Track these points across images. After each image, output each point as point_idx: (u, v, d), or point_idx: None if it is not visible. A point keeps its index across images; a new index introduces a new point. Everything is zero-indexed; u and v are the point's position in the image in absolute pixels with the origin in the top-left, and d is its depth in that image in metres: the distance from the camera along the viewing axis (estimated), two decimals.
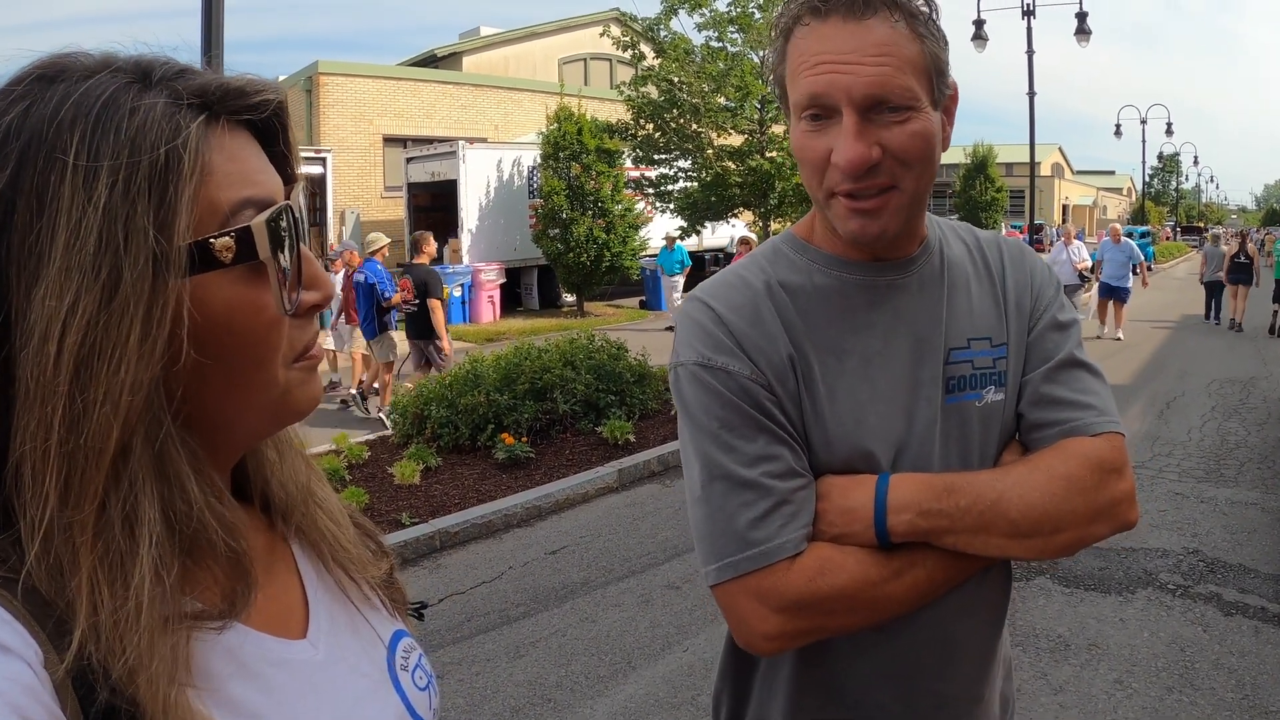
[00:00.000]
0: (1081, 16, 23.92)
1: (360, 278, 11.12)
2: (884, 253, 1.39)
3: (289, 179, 0.86)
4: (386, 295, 10.75)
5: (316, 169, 21.81)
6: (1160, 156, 78.29)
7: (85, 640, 0.65)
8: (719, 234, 24.38)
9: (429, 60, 31.30)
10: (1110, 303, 17.18)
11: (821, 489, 1.32)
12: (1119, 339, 16.55)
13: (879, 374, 1.36)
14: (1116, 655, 4.71)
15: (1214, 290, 20.15)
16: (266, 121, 0.82)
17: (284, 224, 0.78)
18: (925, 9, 1.28)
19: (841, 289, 1.39)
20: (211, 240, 0.72)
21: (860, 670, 1.41)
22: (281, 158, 0.86)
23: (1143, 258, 18.04)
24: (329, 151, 22.10)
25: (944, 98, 1.33)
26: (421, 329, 10.91)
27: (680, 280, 19.80)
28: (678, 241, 20.00)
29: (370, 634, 0.93)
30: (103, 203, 0.67)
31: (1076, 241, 17.56)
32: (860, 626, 1.31)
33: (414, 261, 11.04)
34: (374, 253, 11.22)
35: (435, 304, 10.69)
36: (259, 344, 0.77)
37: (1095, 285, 18.17)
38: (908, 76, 1.25)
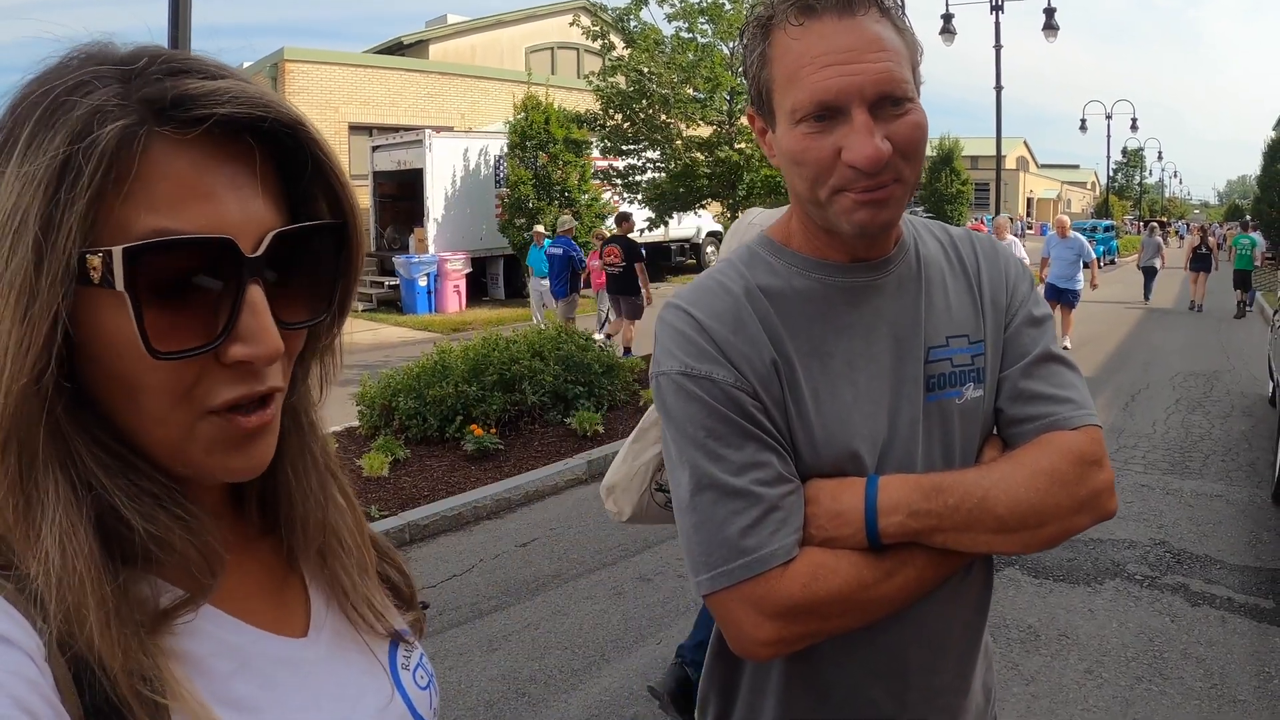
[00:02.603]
0: (1049, 12, 24.11)
1: (557, 250, 14.79)
2: (862, 253, 1.39)
3: (331, 209, 0.82)
4: (581, 263, 14.78)
5: None
6: (1125, 151, 79.36)
7: (62, 627, 0.65)
8: (685, 224, 24.35)
9: (395, 48, 31.00)
10: (1058, 306, 14.14)
11: (810, 493, 1.32)
12: (1066, 348, 12.16)
13: (862, 375, 1.36)
14: (1086, 645, 4.77)
15: (1149, 274, 22.73)
16: (288, 145, 0.77)
17: (176, 261, 0.70)
18: (897, 2, 1.30)
19: (822, 291, 1.39)
20: (87, 254, 0.68)
21: (850, 668, 1.41)
22: (325, 188, 0.81)
23: (1093, 255, 15.30)
24: None
25: (918, 86, 1.33)
26: (624, 287, 13.84)
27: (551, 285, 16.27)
28: (548, 237, 16.75)
29: (371, 631, 0.93)
30: (14, 195, 0.67)
31: (1011, 238, 14.46)
32: (854, 628, 1.31)
33: (619, 232, 14.41)
34: (565, 231, 15.24)
35: (640, 266, 13.62)
36: (127, 378, 0.72)
37: (1040, 287, 15.51)
38: (904, 69, 1.26)
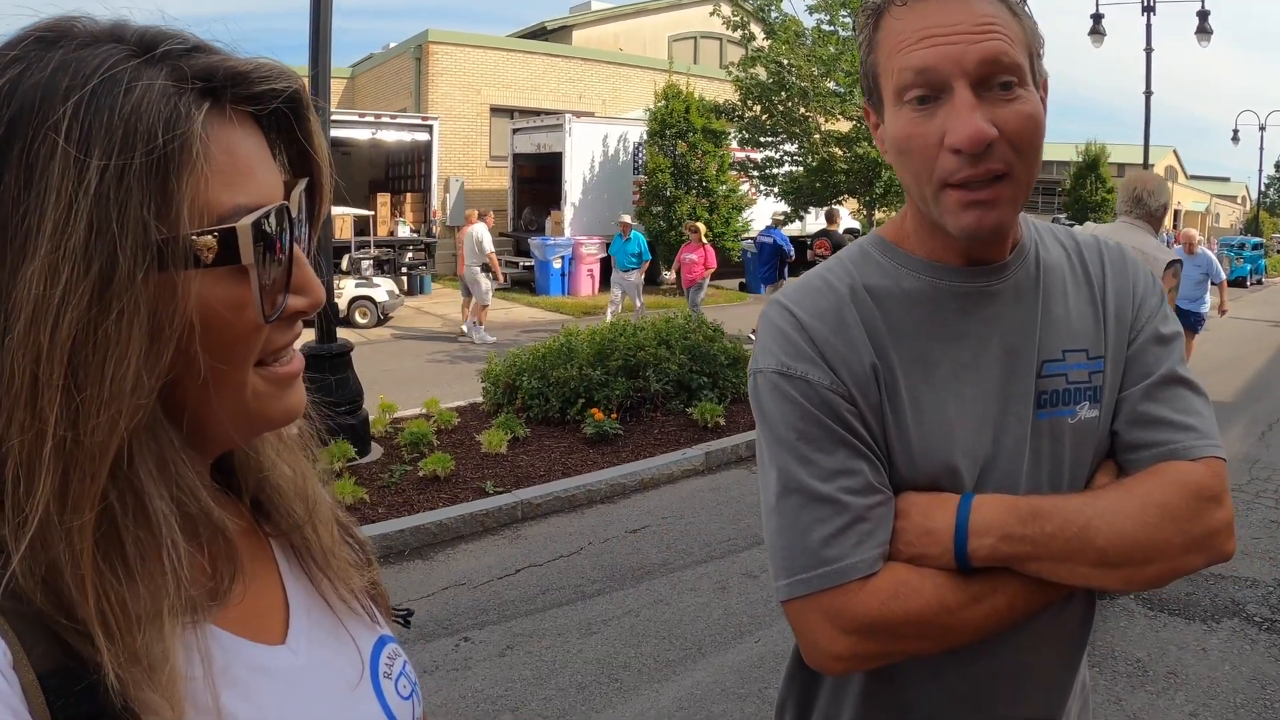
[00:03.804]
0: (1203, 15, 22.85)
1: (767, 240, 15.94)
2: (979, 256, 1.31)
3: (304, 170, 0.83)
4: (789, 252, 15.71)
5: (423, 136, 22.15)
6: (1278, 165, 75.34)
7: (97, 651, 0.63)
8: (821, 222, 24.10)
9: (539, 32, 31.44)
10: None
11: (901, 506, 1.26)
12: None
13: (967, 387, 1.29)
14: (1195, 685, 4.52)
15: None
16: (277, 110, 0.77)
17: (274, 226, 0.74)
18: None
19: (932, 294, 1.31)
20: (194, 238, 0.68)
21: (931, 691, 1.36)
22: (296, 147, 0.82)
23: (1222, 275, 13.17)
24: (436, 119, 22.43)
25: (1040, 83, 1.25)
26: None
27: (635, 277, 16.49)
28: (634, 228, 16.97)
29: (350, 640, 0.91)
30: (93, 187, 0.63)
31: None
32: (933, 651, 1.25)
33: (828, 228, 15.51)
34: (778, 223, 16.59)
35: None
36: (233, 348, 0.73)
37: None
38: (1016, 50, 1.18)
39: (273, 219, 0.74)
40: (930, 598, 1.19)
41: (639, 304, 16.24)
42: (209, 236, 0.69)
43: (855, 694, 1.39)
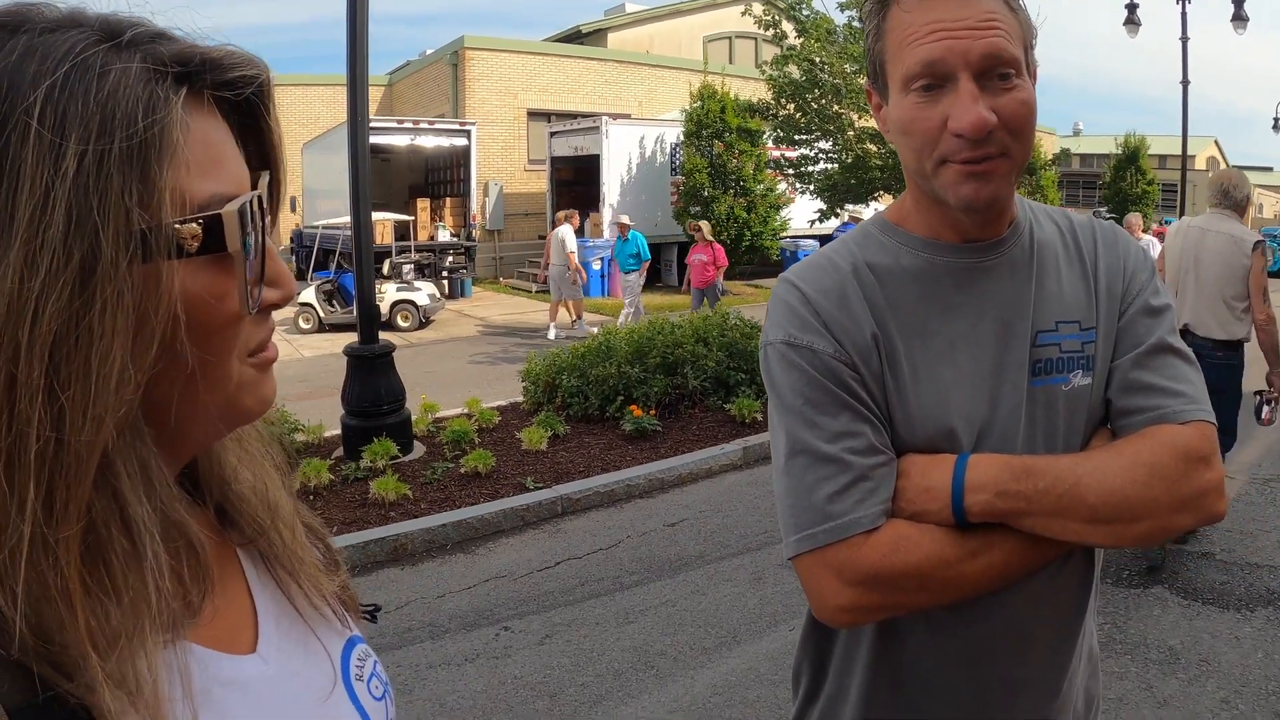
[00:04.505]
0: (1238, 2, 22.45)
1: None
2: (975, 233, 1.39)
3: (263, 165, 0.81)
4: None
5: (461, 141, 22.34)
6: None
7: (78, 676, 0.60)
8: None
9: (574, 36, 31.61)
10: None
11: (902, 467, 1.33)
12: None
13: (964, 356, 1.36)
14: (1227, 673, 4.51)
15: None
16: (245, 98, 0.76)
17: (252, 215, 0.72)
18: None
19: (929, 270, 1.40)
20: (177, 225, 0.66)
21: (934, 651, 1.42)
22: (256, 139, 0.80)
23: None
24: (474, 124, 22.63)
25: (1032, 71, 1.34)
26: None
27: (635, 279, 16.25)
28: (632, 228, 16.57)
29: (320, 645, 0.88)
30: (71, 174, 0.60)
31: (1148, 238, 12.93)
32: (934, 604, 1.32)
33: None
34: (853, 218, 16.84)
35: None
36: (214, 339, 0.70)
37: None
38: (1015, 44, 1.28)
39: (251, 208, 0.72)
40: (929, 551, 1.26)
41: (627, 312, 15.92)
42: (194, 224, 0.67)
43: (864, 656, 1.45)
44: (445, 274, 21.41)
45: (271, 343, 0.80)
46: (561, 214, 17.03)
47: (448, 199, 23.94)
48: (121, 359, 0.62)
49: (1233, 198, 5.90)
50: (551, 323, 16.05)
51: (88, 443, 0.61)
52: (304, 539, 0.94)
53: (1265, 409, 5.88)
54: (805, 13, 17.23)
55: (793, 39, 17.95)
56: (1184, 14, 21.45)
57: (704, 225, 16.04)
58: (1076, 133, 73.05)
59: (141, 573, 0.64)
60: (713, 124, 21.38)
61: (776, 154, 21.18)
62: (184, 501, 0.74)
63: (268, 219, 0.77)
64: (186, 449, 0.78)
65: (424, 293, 17.59)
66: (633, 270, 16.20)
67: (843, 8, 16.82)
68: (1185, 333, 5.54)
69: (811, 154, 18.98)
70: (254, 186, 0.76)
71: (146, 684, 0.63)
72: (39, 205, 0.59)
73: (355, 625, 0.97)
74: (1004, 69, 1.26)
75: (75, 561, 0.61)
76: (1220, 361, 5.65)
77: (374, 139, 18.67)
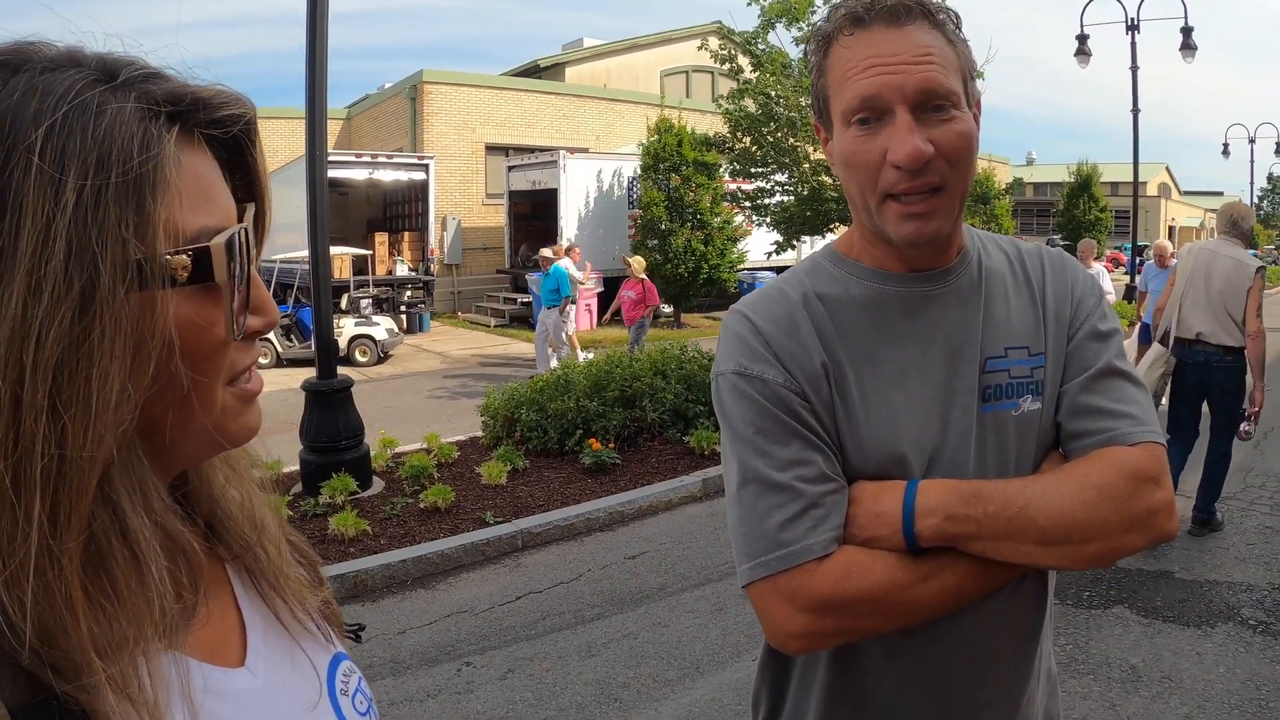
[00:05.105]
0: (1186, 31, 22.92)
1: None
2: (922, 264, 1.43)
3: (249, 197, 0.84)
4: None
5: (419, 175, 22.30)
6: (1270, 178, 75.12)
7: (80, 680, 0.63)
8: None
9: (532, 70, 31.76)
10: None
11: (854, 494, 1.35)
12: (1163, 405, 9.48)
13: (914, 383, 1.39)
14: (1189, 689, 4.58)
15: None
16: (232, 135, 0.79)
17: (238, 247, 0.75)
18: (953, 18, 1.36)
19: (878, 300, 1.42)
20: (169, 256, 0.69)
21: (892, 676, 1.43)
22: (243, 171, 0.83)
23: None
24: (432, 158, 22.61)
25: (974, 102, 1.38)
26: None
27: (555, 316, 14.81)
28: (555, 262, 15.17)
29: (307, 659, 0.90)
30: (71, 208, 0.64)
31: (1097, 265, 13.06)
32: (888, 629, 1.34)
33: None
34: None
35: None
36: (202, 365, 0.74)
37: (1136, 328, 11.97)
38: (951, 77, 1.31)
39: (238, 239, 0.75)
40: (881, 576, 1.28)
41: (552, 354, 14.64)
42: (184, 255, 0.70)
43: (821, 682, 1.47)
44: (404, 308, 21.32)
45: (256, 374, 0.83)
46: (560, 248, 17.09)
47: (406, 233, 23.83)
48: (120, 380, 0.65)
49: (1240, 228, 6.87)
50: (581, 351, 14.91)
51: (89, 458, 0.64)
52: (289, 556, 0.97)
53: (1244, 424, 6.54)
54: (761, 47, 17.41)
55: (748, 73, 18.13)
56: (1134, 44, 21.89)
57: (634, 261, 15.06)
58: (1030, 162, 74.27)
59: (142, 580, 0.68)
60: (670, 157, 21.49)
61: (733, 187, 21.32)
62: (176, 515, 0.77)
63: (253, 250, 0.80)
64: (177, 465, 0.81)
65: (382, 327, 17.50)
66: (553, 305, 14.76)
67: (798, 42, 17.02)
68: (1198, 341, 6.59)
69: (768, 186, 19.13)
70: (240, 218, 0.80)
71: (147, 688, 0.66)
72: (41, 236, 0.63)
73: (339, 642, 0.99)
74: (939, 101, 1.30)
75: (78, 570, 0.64)
76: (1229, 364, 6.58)
77: (332, 172, 18.57)
